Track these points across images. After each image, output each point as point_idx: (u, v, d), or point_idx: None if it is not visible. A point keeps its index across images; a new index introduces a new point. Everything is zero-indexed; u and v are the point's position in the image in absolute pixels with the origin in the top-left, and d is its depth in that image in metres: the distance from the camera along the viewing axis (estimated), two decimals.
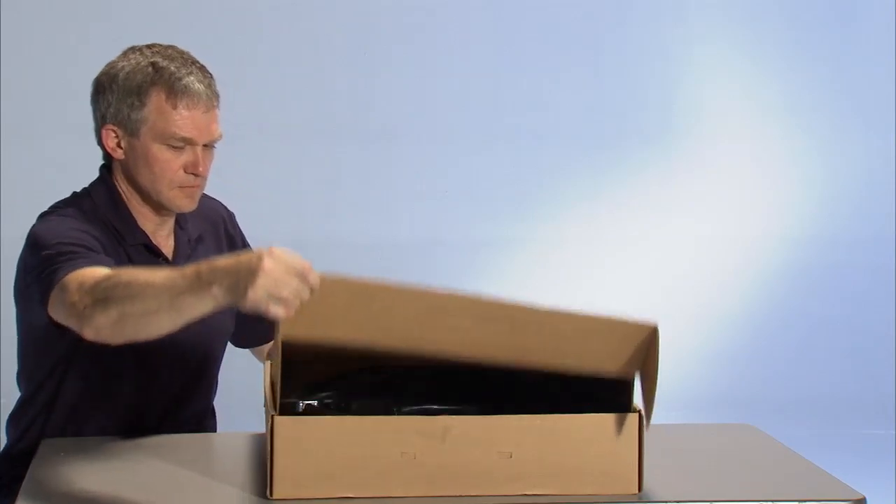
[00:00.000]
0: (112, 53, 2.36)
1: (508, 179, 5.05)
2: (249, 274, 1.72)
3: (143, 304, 1.82)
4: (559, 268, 5.07)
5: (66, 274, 2.01)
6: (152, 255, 2.31)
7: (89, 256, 2.09)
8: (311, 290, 1.75)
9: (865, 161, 5.17)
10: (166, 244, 2.36)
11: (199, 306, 1.78)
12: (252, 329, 2.51)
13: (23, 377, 2.37)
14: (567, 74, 5.06)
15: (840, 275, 5.17)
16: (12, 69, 4.71)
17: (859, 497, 1.89)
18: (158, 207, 2.31)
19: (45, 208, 2.31)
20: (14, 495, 1.93)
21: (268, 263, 1.72)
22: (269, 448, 1.84)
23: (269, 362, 2.13)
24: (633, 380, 1.91)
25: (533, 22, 5.02)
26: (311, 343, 1.82)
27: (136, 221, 2.31)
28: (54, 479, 2.00)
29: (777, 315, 5.15)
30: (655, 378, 1.87)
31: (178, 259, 2.36)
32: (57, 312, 2.04)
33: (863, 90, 5.16)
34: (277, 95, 4.89)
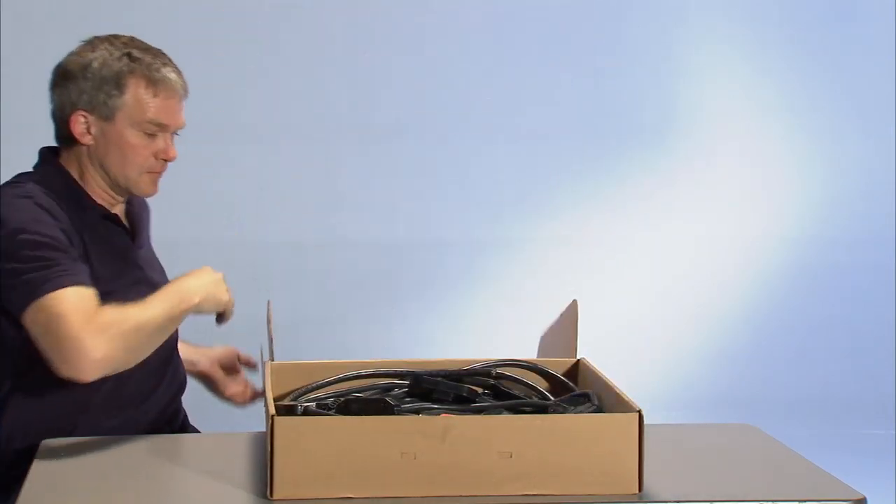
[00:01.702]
0: None
1: (508, 179, 5.05)
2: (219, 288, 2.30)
3: (147, 337, 2.19)
4: (559, 268, 5.06)
5: (48, 292, 2.12)
6: (114, 225, 2.39)
7: (65, 265, 2.18)
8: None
9: (865, 161, 5.17)
10: (122, 216, 2.44)
11: (181, 320, 2.26)
12: None
13: None
14: (567, 74, 5.06)
15: (840, 275, 5.17)
16: (12, 69, 4.71)
17: (859, 497, 1.89)
18: (120, 191, 2.38)
19: None
20: (13, 495, 1.93)
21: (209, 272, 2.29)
22: (269, 448, 1.84)
23: (268, 363, 2.14)
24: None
25: (533, 22, 5.02)
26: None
27: (90, 198, 2.37)
28: (54, 479, 2.00)
29: (777, 315, 5.15)
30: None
31: (138, 230, 2.46)
32: (33, 331, 2.14)
33: (863, 90, 5.16)
34: (277, 95, 4.89)
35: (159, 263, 2.55)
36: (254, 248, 4.73)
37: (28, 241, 2.19)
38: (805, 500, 1.89)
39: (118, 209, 2.42)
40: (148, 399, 2.38)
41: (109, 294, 2.22)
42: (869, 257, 5.16)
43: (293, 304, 4.52)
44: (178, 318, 2.22)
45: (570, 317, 2.26)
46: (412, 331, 4.96)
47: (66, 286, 2.13)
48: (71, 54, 2.36)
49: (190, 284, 2.25)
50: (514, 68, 5.03)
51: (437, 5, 4.98)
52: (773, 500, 1.89)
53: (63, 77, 2.35)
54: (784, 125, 5.16)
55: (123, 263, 2.37)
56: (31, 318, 2.13)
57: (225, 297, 2.28)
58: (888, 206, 5.15)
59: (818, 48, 5.13)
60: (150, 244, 2.55)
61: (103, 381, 2.19)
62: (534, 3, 5.01)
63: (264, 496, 1.86)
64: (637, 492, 1.88)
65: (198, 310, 2.24)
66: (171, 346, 2.43)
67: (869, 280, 5.17)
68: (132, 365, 2.19)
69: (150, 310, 2.18)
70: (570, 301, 2.28)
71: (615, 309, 5.03)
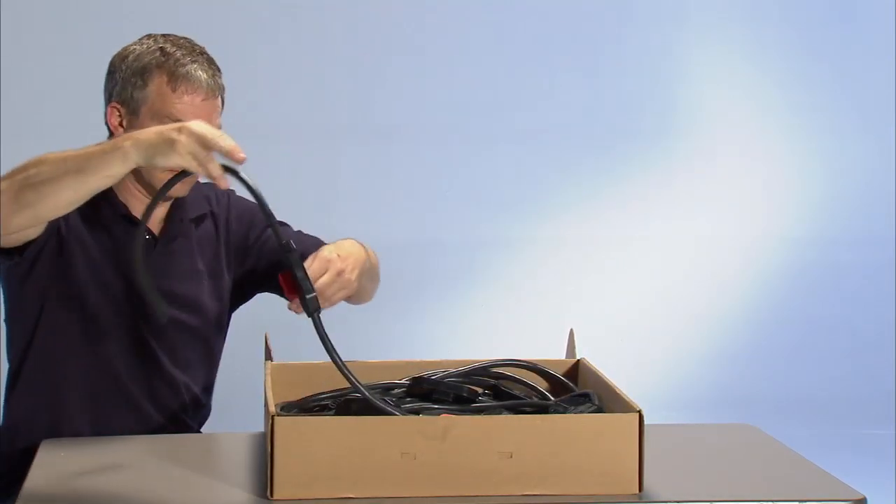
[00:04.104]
0: (111, 53, 2.39)
1: (508, 179, 5.05)
2: (170, 131, 1.90)
3: (51, 168, 1.98)
4: (559, 268, 5.06)
5: None
6: (132, 226, 2.32)
7: None
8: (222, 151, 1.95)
9: (865, 161, 5.17)
10: (155, 222, 2.39)
11: (109, 166, 1.94)
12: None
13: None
14: (567, 74, 5.06)
15: (840, 275, 5.17)
16: (12, 69, 4.71)
17: (859, 497, 1.89)
18: (150, 188, 2.34)
19: None
20: (13, 495, 1.93)
21: (192, 126, 1.91)
22: (269, 448, 1.84)
23: (268, 363, 2.14)
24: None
25: (533, 22, 5.02)
26: None
27: (115, 195, 2.33)
28: (54, 479, 2.00)
29: (777, 315, 5.15)
30: None
31: (167, 237, 2.39)
32: None
33: (863, 90, 5.16)
34: (277, 95, 4.89)
35: (192, 278, 2.44)
36: None
37: None
38: (805, 500, 1.89)
39: (157, 209, 2.34)
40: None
41: (81, 296, 2.25)
42: (869, 257, 5.17)
43: None
44: (95, 155, 1.95)
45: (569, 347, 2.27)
46: (412, 331, 4.95)
47: None
48: (122, 48, 2.37)
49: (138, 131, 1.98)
50: (513, 68, 5.03)
51: (437, 5, 4.99)
52: (773, 500, 1.89)
53: (108, 69, 2.36)
54: (784, 125, 5.16)
55: (113, 267, 2.32)
56: None
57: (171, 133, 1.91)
58: (888, 206, 5.15)
59: (818, 48, 5.13)
60: (192, 256, 2.43)
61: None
62: (534, 2, 5.02)
63: (264, 496, 1.86)
64: (637, 492, 1.88)
65: (133, 150, 1.92)
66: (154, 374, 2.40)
67: (869, 280, 5.17)
68: (40, 211, 2.02)
69: (64, 152, 2.00)
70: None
71: (615, 309, 5.03)
